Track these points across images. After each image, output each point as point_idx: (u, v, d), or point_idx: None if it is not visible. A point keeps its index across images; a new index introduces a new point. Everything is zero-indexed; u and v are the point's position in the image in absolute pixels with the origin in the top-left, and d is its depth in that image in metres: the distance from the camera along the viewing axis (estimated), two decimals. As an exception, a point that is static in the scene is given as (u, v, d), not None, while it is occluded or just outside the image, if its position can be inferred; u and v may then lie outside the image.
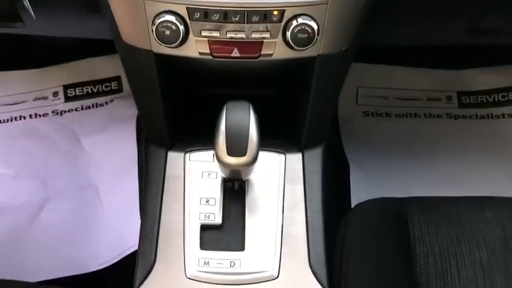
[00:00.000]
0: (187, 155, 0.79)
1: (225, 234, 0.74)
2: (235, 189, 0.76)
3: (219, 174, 0.76)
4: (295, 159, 0.79)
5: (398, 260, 0.79)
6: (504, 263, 0.79)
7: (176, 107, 0.80)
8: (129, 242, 1.04)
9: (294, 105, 0.82)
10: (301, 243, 0.73)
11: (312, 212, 0.75)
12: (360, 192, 1.15)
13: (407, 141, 1.28)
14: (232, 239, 0.73)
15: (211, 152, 0.78)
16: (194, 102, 0.88)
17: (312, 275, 0.71)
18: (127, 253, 1.05)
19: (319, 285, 0.70)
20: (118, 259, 1.06)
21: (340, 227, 0.80)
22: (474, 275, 0.77)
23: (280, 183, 0.77)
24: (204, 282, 0.70)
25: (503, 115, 1.30)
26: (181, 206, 0.75)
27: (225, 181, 0.76)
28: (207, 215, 0.74)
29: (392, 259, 0.79)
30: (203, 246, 0.72)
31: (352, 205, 1.12)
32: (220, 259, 0.71)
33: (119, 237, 1.08)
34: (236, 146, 0.63)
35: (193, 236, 0.72)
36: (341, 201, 1.11)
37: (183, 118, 0.84)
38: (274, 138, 0.80)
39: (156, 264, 0.70)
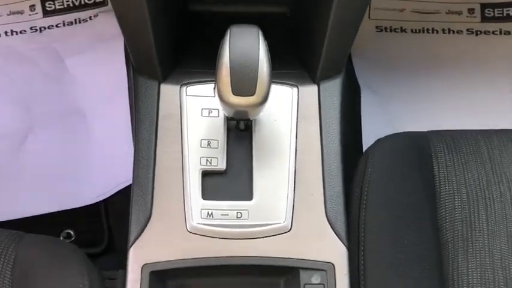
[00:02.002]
0: (184, 88, 0.68)
1: (229, 181, 0.65)
2: (240, 129, 0.67)
3: (222, 111, 0.66)
4: (309, 92, 0.68)
5: (421, 204, 0.72)
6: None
7: (168, 29, 0.68)
8: (124, 174, 0.96)
9: (308, 28, 0.70)
10: (317, 191, 0.64)
11: (328, 155, 0.66)
12: (372, 121, 1.06)
13: (423, 61, 1.17)
14: (238, 187, 0.65)
15: (212, 85, 0.67)
16: (189, 23, 0.76)
17: (329, 226, 0.63)
18: (121, 186, 0.98)
19: (337, 237, 0.63)
20: (112, 192, 0.99)
21: (357, 169, 0.72)
22: (504, 220, 0.71)
23: (293, 121, 0.67)
24: (208, 236, 0.62)
25: (530, 31, 1.18)
26: (179, 149, 0.65)
27: (228, 119, 0.66)
28: (209, 159, 0.64)
29: (414, 203, 0.72)
30: (205, 195, 0.64)
31: (363, 137, 1.03)
32: (226, 210, 0.63)
33: (111, 169, 1.00)
34: (243, 83, 0.53)
35: (194, 183, 0.64)
36: (353, 134, 1.02)
37: (177, 43, 0.73)
38: (285, 68, 0.69)
39: (152, 216, 0.62)
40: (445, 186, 0.72)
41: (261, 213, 0.63)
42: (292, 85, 0.68)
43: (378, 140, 0.78)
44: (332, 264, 0.62)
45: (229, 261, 0.61)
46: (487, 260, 0.68)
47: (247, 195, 0.64)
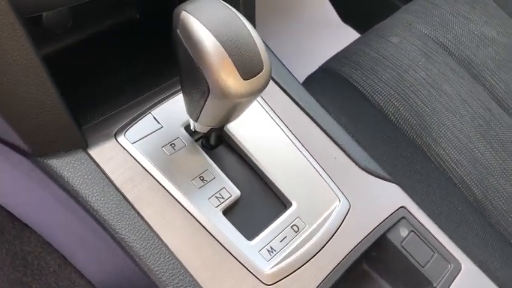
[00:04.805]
0: (121, 138, 0.48)
1: (255, 201, 0.50)
2: (212, 145, 0.51)
3: (184, 137, 0.50)
4: None
5: (377, 125, 0.71)
6: (440, 76, 0.78)
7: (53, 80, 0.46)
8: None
9: None
10: (336, 152, 0.55)
11: (312, 109, 0.56)
12: None
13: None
14: (268, 201, 0.50)
15: (150, 117, 0.50)
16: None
17: (370, 175, 0.55)
18: None
19: (383, 180, 0.55)
20: None
21: None
22: (431, 97, 0.75)
23: (260, 100, 0.55)
24: (292, 272, 0.47)
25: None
26: (179, 208, 0.46)
27: (196, 141, 0.50)
28: (218, 194, 0.48)
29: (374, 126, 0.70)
30: (248, 234, 0.47)
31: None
32: (279, 233, 0.49)
33: None
34: (248, 60, 0.39)
35: (228, 232, 0.47)
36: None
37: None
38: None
39: None
40: (380, 99, 0.73)
41: (314, 209, 0.50)
42: None
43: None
44: (403, 207, 0.54)
45: (333, 277, 0.47)
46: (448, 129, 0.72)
47: (284, 202, 0.50)
